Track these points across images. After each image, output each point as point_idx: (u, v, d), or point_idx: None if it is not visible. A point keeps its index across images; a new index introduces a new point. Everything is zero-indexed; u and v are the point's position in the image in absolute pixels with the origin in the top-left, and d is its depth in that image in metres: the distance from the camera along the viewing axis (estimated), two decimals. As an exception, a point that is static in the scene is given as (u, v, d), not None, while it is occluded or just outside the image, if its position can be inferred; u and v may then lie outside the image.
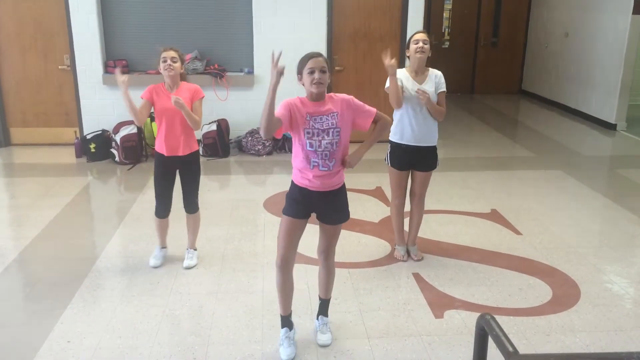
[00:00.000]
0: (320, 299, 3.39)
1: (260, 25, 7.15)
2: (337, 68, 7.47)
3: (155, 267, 4.16)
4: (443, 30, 12.02)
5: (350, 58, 7.53)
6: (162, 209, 4.12)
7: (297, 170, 3.06)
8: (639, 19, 8.23)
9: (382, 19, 7.44)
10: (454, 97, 11.10)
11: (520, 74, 11.99)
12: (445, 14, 12.01)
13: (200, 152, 7.02)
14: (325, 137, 2.98)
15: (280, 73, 2.75)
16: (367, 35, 7.47)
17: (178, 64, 3.88)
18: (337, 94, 3.08)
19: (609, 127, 8.75)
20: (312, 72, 2.93)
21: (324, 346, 3.25)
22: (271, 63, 2.78)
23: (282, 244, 3.13)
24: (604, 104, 8.92)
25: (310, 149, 2.99)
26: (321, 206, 3.10)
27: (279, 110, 2.93)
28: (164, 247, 4.28)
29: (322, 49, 7.22)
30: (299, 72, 3.00)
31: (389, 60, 3.86)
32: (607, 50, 8.81)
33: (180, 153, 3.97)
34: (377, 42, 7.50)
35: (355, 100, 3.09)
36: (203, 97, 3.99)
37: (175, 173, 4.06)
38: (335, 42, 7.42)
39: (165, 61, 3.84)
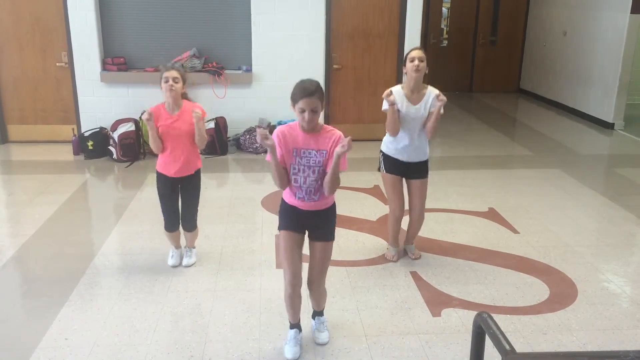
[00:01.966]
0: (314, 309, 3.38)
1: (259, 23, 7.13)
2: (335, 66, 7.46)
3: (175, 267, 4.17)
4: (442, 28, 12.02)
5: (348, 56, 7.51)
6: (171, 224, 4.09)
7: (287, 190, 3.05)
8: (638, 18, 8.24)
9: (381, 17, 7.43)
10: (453, 96, 11.11)
11: (519, 72, 11.99)
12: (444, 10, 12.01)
13: (199, 151, 7.03)
14: (311, 174, 2.94)
15: (270, 144, 2.81)
16: (366, 33, 7.46)
17: (179, 85, 3.80)
18: (333, 129, 2.98)
19: (607, 126, 8.76)
20: (302, 112, 2.84)
21: (322, 344, 3.26)
22: (260, 139, 2.80)
23: (287, 262, 3.07)
24: (602, 103, 8.93)
25: (295, 184, 2.97)
26: (312, 221, 3.07)
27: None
28: (178, 248, 4.27)
29: (321, 47, 7.21)
30: (292, 101, 2.87)
31: (387, 95, 3.89)
32: (606, 49, 8.81)
33: (185, 174, 3.94)
34: (375, 40, 7.49)
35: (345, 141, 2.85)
36: (205, 116, 3.96)
37: (178, 189, 4.03)
38: (334, 40, 7.41)
39: (167, 81, 3.75)
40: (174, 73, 3.80)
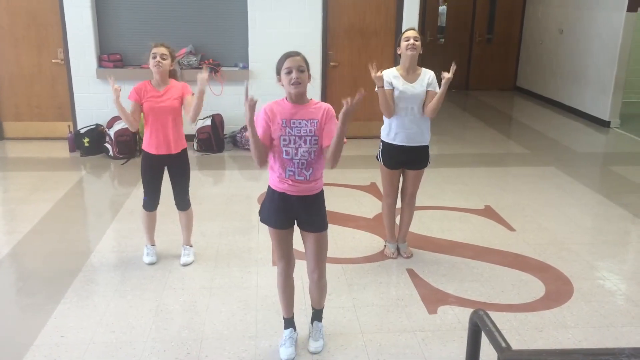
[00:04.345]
0: (313, 308, 3.31)
1: (255, 20, 7.13)
2: (332, 64, 7.46)
3: (152, 264, 4.14)
4: (439, 26, 12.03)
5: (345, 53, 7.51)
6: (151, 203, 4.09)
7: (275, 175, 2.97)
8: (633, 16, 8.26)
9: (377, 14, 7.43)
10: (449, 94, 11.09)
11: (515, 70, 12.01)
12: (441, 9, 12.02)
13: (195, 147, 7.04)
14: (303, 144, 2.86)
15: (252, 107, 2.71)
16: (362, 30, 7.46)
17: (167, 61, 3.81)
18: (320, 102, 2.97)
19: (603, 124, 8.78)
20: (289, 72, 2.80)
21: (314, 353, 3.19)
22: (244, 98, 2.71)
23: (278, 252, 3.11)
24: (598, 101, 8.95)
25: (286, 157, 2.88)
26: (301, 211, 2.99)
27: (258, 132, 2.84)
28: (153, 244, 4.23)
29: (317, 44, 7.21)
30: (278, 73, 2.87)
31: (374, 73, 3.84)
32: (601, 48, 8.83)
33: (171, 151, 3.93)
34: (372, 37, 7.49)
35: (333, 113, 2.90)
36: (192, 93, 3.93)
37: (163, 169, 4.03)
38: (331, 37, 7.40)
39: (154, 57, 3.78)
40: (163, 49, 3.82)
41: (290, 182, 2.93)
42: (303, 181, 2.93)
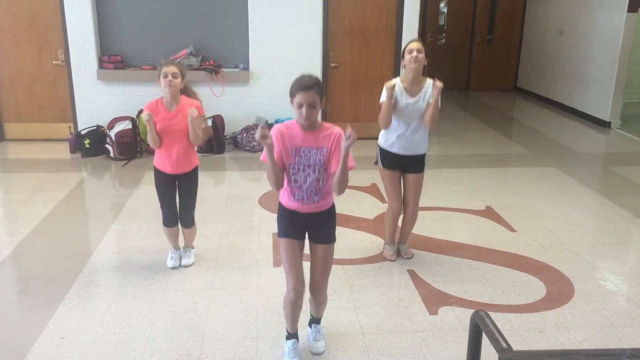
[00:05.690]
0: (312, 316, 3.29)
1: (256, 21, 7.13)
2: (332, 64, 7.46)
3: (174, 268, 4.12)
4: (440, 25, 12.03)
5: (346, 54, 7.51)
6: (170, 219, 4.06)
7: (285, 193, 2.95)
8: (634, 16, 8.26)
9: (378, 14, 7.42)
10: (450, 95, 11.12)
11: (516, 71, 12.01)
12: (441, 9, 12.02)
13: (195, 148, 7.02)
14: (312, 173, 2.84)
15: (269, 143, 2.72)
16: (363, 31, 7.46)
17: (179, 80, 3.77)
18: (333, 126, 2.89)
19: (604, 124, 8.78)
20: (299, 107, 2.74)
21: (318, 354, 3.19)
22: (259, 136, 2.69)
23: (289, 269, 2.97)
24: (599, 102, 8.95)
25: (294, 184, 2.88)
26: (312, 224, 2.99)
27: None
28: (177, 249, 4.22)
29: (318, 44, 7.21)
30: (291, 96, 2.79)
31: (389, 87, 3.84)
32: (602, 48, 8.83)
33: (183, 170, 3.93)
34: (372, 38, 7.49)
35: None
36: (203, 113, 3.92)
37: (176, 184, 4.01)
38: (331, 38, 7.40)
39: (166, 77, 3.72)
40: (173, 68, 3.77)
41: (300, 203, 2.93)
42: (312, 204, 2.93)
